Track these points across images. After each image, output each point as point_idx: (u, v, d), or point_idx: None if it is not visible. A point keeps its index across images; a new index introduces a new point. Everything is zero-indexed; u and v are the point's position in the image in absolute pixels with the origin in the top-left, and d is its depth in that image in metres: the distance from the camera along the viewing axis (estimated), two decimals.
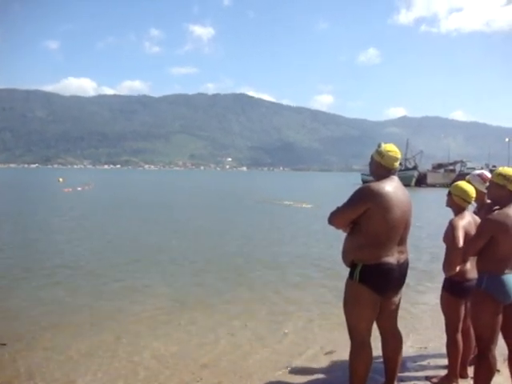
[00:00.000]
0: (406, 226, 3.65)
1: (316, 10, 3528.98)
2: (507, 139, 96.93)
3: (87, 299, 7.58)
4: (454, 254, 3.92)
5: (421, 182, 72.94)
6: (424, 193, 52.18)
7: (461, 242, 3.88)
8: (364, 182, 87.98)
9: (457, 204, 4.20)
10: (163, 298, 7.69)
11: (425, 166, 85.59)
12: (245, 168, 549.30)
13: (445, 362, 4.74)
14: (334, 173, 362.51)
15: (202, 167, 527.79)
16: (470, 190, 4.18)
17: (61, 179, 64.02)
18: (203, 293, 8.10)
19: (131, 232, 16.13)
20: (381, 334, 3.92)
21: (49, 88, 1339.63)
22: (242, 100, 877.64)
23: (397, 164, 3.71)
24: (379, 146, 3.77)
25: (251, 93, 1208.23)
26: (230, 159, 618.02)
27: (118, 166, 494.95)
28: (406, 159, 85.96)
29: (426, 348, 5.62)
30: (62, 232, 15.71)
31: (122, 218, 20.56)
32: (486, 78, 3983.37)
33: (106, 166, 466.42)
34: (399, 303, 3.86)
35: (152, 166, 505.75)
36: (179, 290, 8.32)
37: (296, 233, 16.74)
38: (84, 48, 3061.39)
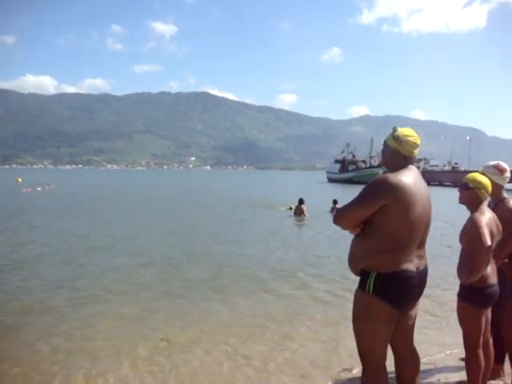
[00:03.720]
0: (426, 226, 3.17)
1: (279, 9, 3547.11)
2: (468, 137, 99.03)
3: (62, 307, 6.94)
4: (481, 255, 3.45)
5: None
6: None
7: (488, 241, 3.45)
8: (329, 179, 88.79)
9: (480, 198, 3.75)
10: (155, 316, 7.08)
11: None
12: (209, 167, 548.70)
13: (455, 377, 4.50)
14: (297, 171, 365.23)
15: (165, 166, 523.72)
16: (488, 182, 3.79)
17: (19, 179, 62.40)
18: (201, 306, 7.58)
19: (98, 236, 15.13)
20: (395, 353, 3.40)
21: (5, 85, 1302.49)
22: (204, 99, 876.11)
23: (416, 152, 3.22)
24: (395, 130, 3.22)
25: (214, 91, 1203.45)
26: (193, 158, 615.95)
27: (80, 165, 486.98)
28: (370, 157, 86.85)
29: (433, 363, 5.02)
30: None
31: (85, 219, 19.52)
32: (444, 78, 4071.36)
33: (67, 166, 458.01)
34: (416, 317, 3.36)
35: (115, 166, 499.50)
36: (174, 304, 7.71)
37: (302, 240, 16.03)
38: (43, 44, 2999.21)
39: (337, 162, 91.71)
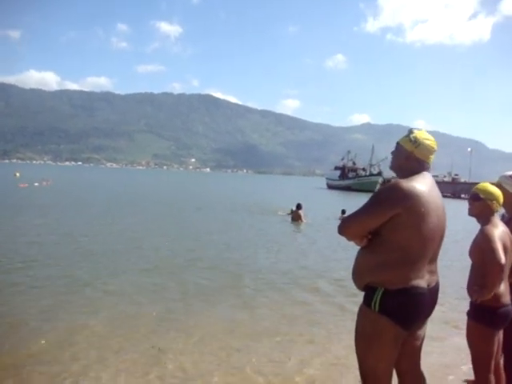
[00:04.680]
0: (440, 239, 2.89)
1: (285, 13, 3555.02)
2: (469, 149, 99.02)
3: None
4: (494, 272, 3.21)
5: None
6: None
7: (502, 256, 3.21)
8: (329, 185, 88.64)
9: (492, 210, 3.51)
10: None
11: (388, 172, 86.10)
12: (208, 169, 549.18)
13: None
14: (297, 176, 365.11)
15: (164, 167, 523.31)
16: (500, 193, 3.56)
17: (17, 174, 62.15)
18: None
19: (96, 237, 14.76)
20: (399, 376, 3.08)
21: (7, 79, 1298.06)
22: (207, 101, 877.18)
23: (433, 157, 2.98)
24: (411, 131, 2.99)
25: (217, 94, 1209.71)
26: (193, 160, 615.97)
27: (80, 162, 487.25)
28: (371, 165, 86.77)
29: None
30: None
31: (79, 216, 19.19)
32: (447, 90, 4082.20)
33: (67, 163, 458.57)
34: (424, 338, 3.05)
35: (114, 165, 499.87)
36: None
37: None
38: (48, 40, 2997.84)
39: (337, 168, 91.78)
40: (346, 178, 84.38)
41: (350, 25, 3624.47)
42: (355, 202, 42.99)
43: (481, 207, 3.54)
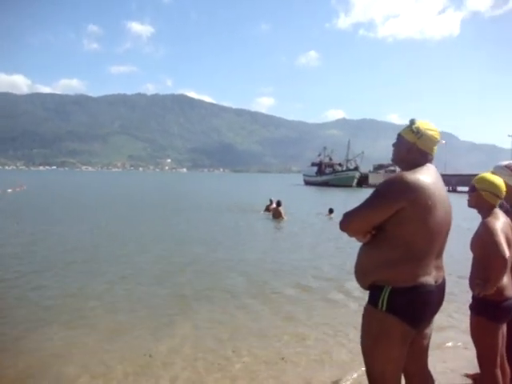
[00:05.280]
0: (446, 233, 2.77)
1: (257, 11, 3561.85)
2: (444, 141, 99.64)
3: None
4: (498, 266, 3.14)
5: (362, 182, 73.68)
6: (366, 193, 52.05)
7: (506, 250, 3.14)
8: (306, 182, 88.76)
9: (488, 202, 3.41)
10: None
11: (363, 167, 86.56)
12: (185, 169, 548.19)
13: None
14: (274, 174, 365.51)
15: (140, 168, 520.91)
16: (501, 183, 3.42)
17: None
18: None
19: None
20: (407, 378, 2.93)
21: None
22: (181, 101, 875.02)
23: (436, 149, 2.81)
24: (413, 122, 2.80)
25: (191, 94, 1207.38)
26: (169, 160, 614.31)
27: (54, 167, 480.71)
28: (347, 160, 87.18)
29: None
30: None
31: (57, 223, 18.72)
32: (418, 84, 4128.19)
33: (40, 168, 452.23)
34: (431, 336, 2.92)
35: (89, 168, 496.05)
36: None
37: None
38: (17, 42, 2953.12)
39: (313, 164, 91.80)
40: (323, 174, 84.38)
41: (321, 21, 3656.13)
42: (334, 196, 43.48)
43: (476, 198, 3.47)
